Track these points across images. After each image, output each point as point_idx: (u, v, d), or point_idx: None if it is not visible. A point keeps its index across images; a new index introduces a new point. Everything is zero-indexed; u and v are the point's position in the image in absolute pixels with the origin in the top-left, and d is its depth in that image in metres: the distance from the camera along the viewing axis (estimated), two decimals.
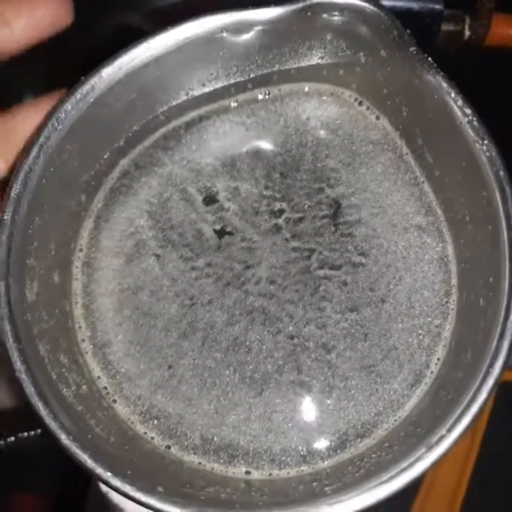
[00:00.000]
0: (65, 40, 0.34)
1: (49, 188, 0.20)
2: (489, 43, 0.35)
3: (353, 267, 0.22)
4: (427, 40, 0.34)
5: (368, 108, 0.23)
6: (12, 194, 0.18)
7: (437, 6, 0.32)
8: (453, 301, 0.21)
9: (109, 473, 0.16)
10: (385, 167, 0.23)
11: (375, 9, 0.20)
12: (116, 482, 0.16)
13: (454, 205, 0.21)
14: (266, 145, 0.24)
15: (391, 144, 0.23)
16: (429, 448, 0.16)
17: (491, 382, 0.16)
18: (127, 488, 0.16)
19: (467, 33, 0.35)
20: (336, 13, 0.20)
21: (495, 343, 0.17)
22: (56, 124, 0.20)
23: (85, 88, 0.20)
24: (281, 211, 0.23)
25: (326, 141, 0.23)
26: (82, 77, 0.20)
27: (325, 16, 0.20)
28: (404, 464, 0.16)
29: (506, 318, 0.16)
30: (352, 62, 0.22)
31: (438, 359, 0.21)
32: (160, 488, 0.16)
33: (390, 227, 0.22)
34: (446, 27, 0.35)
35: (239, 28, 0.21)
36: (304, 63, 0.23)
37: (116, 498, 0.17)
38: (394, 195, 0.23)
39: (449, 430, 0.16)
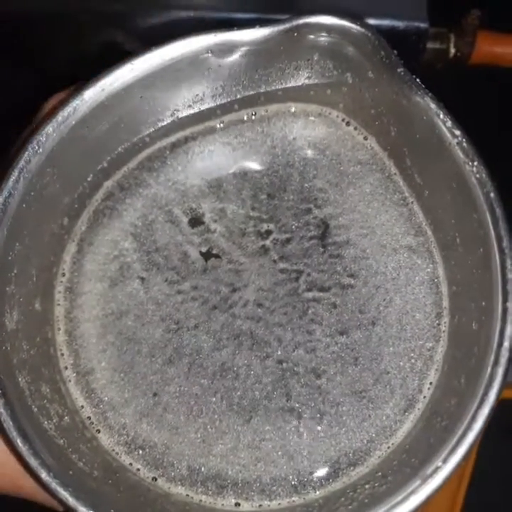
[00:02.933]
0: (51, 55, 0.34)
1: (30, 212, 0.19)
2: (475, 61, 0.35)
3: (342, 289, 0.22)
4: (413, 58, 0.34)
5: (355, 128, 0.23)
6: None
7: (422, 25, 0.32)
8: (445, 323, 0.21)
9: None
10: (374, 187, 0.23)
11: (362, 30, 0.19)
12: None
13: (444, 226, 0.21)
14: (253, 166, 0.23)
15: (379, 164, 0.23)
16: (424, 480, 0.15)
17: (486, 410, 0.16)
18: None
19: (452, 50, 0.35)
20: (323, 33, 0.20)
21: (489, 369, 0.16)
22: (36, 148, 0.19)
23: (67, 110, 0.20)
24: (269, 232, 0.22)
25: (313, 161, 0.23)
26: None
27: (312, 36, 0.20)
28: (399, 498, 0.15)
29: (500, 344, 0.16)
30: (339, 82, 0.22)
31: (430, 383, 0.20)
32: None
33: (379, 247, 0.22)
34: (431, 45, 0.35)
35: (224, 49, 0.20)
36: (291, 83, 0.23)
37: None
38: (383, 216, 0.22)
39: (445, 461, 0.16)
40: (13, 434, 0.16)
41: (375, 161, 0.23)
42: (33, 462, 0.16)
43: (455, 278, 0.20)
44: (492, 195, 0.17)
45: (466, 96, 0.40)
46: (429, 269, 0.21)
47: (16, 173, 0.19)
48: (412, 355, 0.21)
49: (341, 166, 0.23)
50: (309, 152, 0.23)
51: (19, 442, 0.16)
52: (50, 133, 0.19)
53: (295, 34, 0.20)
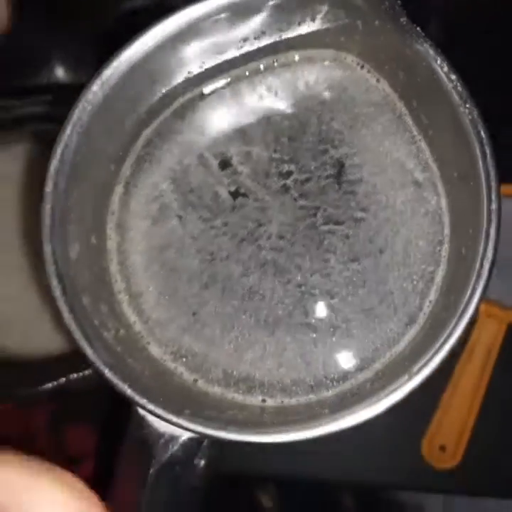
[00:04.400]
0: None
1: (83, 161, 0.23)
2: None
3: (355, 222, 0.24)
4: None
5: (368, 71, 0.25)
6: (51, 169, 0.21)
7: None
8: (445, 249, 0.23)
9: (145, 400, 0.19)
10: (385, 127, 0.25)
11: None
12: (150, 406, 0.19)
13: (447, 162, 0.23)
14: (275, 111, 0.26)
15: (391, 105, 0.25)
16: (410, 376, 0.19)
17: (464, 320, 0.19)
18: (160, 411, 0.19)
19: None
20: None
21: (470, 288, 0.19)
22: (86, 105, 0.22)
23: (109, 70, 0.22)
24: (290, 173, 0.25)
25: (330, 104, 0.25)
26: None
27: None
28: (389, 390, 0.19)
29: (481, 265, 0.19)
30: (351, 29, 0.24)
31: (430, 301, 0.23)
32: (187, 411, 0.20)
33: (389, 183, 0.24)
34: None
35: (244, 7, 0.22)
36: (307, 31, 0.24)
37: (151, 419, 0.20)
38: (393, 154, 0.24)
39: (428, 361, 0.19)
40: (82, 341, 0.20)
41: (387, 102, 0.25)
42: (98, 362, 0.20)
43: (454, 209, 0.23)
44: (482, 133, 0.19)
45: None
46: (433, 202, 0.24)
47: (69, 127, 0.22)
48: (415, 277, 0.23)
49: (356, 107, 0.25)
50: (327, 95, 0.25)
51: (87, 347, 0.20)
52: (96, 91, 0.22)
53: None
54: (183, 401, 0.21)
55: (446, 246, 0.23)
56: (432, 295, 0.23)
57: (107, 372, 0.20)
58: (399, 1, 0.21)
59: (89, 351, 0.20)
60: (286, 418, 0.21)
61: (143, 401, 0.19)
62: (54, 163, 0.21)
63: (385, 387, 0.19)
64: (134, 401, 0.20)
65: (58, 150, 0.21)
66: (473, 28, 0.39)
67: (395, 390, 0.19)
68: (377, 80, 0.25)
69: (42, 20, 0.38)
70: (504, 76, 0.40)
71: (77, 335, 0.20)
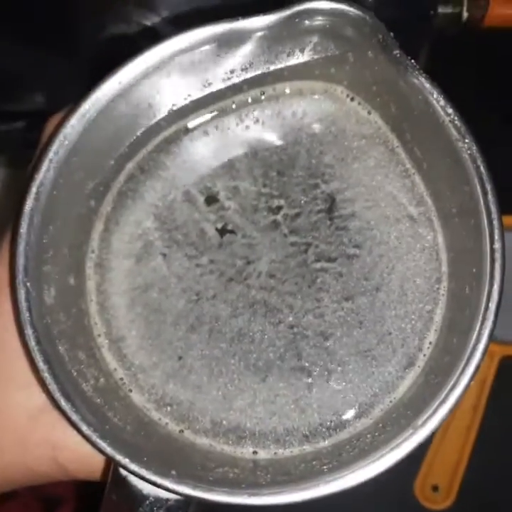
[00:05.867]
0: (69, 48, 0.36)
1: (60, 198, 0.21)
2: (488, 24, 0.35)
3: (348, 259, 0.23)
4: (424, 25, 0.34)
5: (359, 103, 0.24)
6: (26, 208, 0.20)
7: None
8: (444, 287, 0.22)
9: (127, 459, 0.18)
10: (378, 160, 0.24)
11: (359, 13, 0.20)
12: (133, 466, 0.18)
13: (443, 197, 0.22)
14: (263, 144, 0.25)
15: (382, 137, 0.24)
16: (415, 429, 0.17)
17: (472, 367, 0.18)
18: (144, 472, 0.18)
19: (465, 14, 0.35)
20: (323, 16, 0.21)
21: (477, 330, 0.18)
22: (63, 139, 0.21)
23: (88, 103, 0.21)
24: (279, 208, 0.24)
25: (320, 137, 0.24)
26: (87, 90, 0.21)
27: (313, 19, 0.21)
28: (393, 445, 0.17)
29: (486, 307, 0.18)
30: (341, 60, 0.23)
31: (430, 343, 0.22)
32: (173, 472, 0.18)
33: (382, 218, 0.23)
34: (443, 10, 0.35)
35: (231, 38, 0.22)
36: (296, 63, 0.24)
37: (133, 480, 0.18)
38: (386, 188, 0.24)
39: (434, 412, 0.17)
40: (57, 394, 0.18)
41: (379, 134, 0.24)
42: (75, 418, 0.18)
43: (453, 245, 0.22)
44: (482, 169, 0.18)
45: (481, 58, 0.41)
46: (429, 237, 0.23)
47: (46, 163, 0.21)
48: (413, 317, 0.22)
49: (346, 141, 0.24)
50: (316, 129, 0.25)
51: (63, 401, 0.18)
52: (75, 125, 0.21)
53: (296, 19, 0.21)
54: (169, 457, 0.20)
55: (444, 284, 0.22)
56: (432, 336, 0.22)
57: (86, 430, 0.18)
58: (392, 33, 0.20)
59: (66, 406, 0.18)
60: (279, 475, 0.19)
61: (125, 461, 0.18)
62: (29, 202, 0.20)
63: (387, 442, 0.18)
64: (115, 460, 0.18)
65: (33, 188, 0.20)
66: (459, 59, 0.39)
67: (399, 445, 0.17)
68: (369, 112, 0.24)
69: (20, 43, 0.37)
70: (491, 108, 0.40)
71: (53, 387, 0.18)
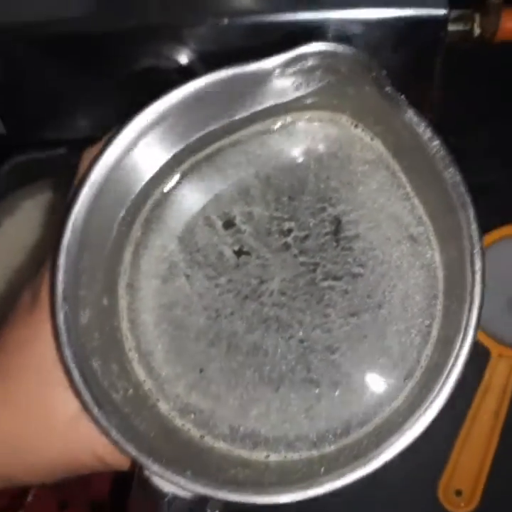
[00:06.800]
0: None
1: (94, 228, 0.24)
2: (500, 38, 0.36)
3: (353, 278, 0.25)
4: (435, 44, 0.35)
5: (362, 130, 0.26)
6: (63, 241, 0.23)
7: (441, 12, 0.33)
8: (440, 303, 0.24)
9: (149, 461, 0.20)
10: (380, 184, 0.26)
11: (352, 53, 0.22)
12: (154, 467, 0.20)
13: (437, 219, 0.23)
14: (275, 171, 0.27)
15: (385, 162, 0.26)
16: (401, 434, 0.19)
17: (451, 381, 0.19)
18: (163, 472, 0.20)
19: (477, 30, 0.36)
20: (322, 57, 0.23)
21: (457, 346, 0.19)
22: (95, 178, 0.24)
23: (115, 144, 0.24)
24: (290, 230, 0.26)
25: (327, 163, 0.26)
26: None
27: (312, 60, 0.23)
28: (379, 450, 0.19)
29: (466, 330, 0.19)
30: (343, 93, 0.25)
31: (427, 355, 0.23)
32: (189, 472, 0.20)
33: (384, 239, 0.25)
34: (455, 27, 0.36)
35: (240, 81, 0.24)
36: (303, 96, 0.26)
37: (155, 479, 0.21)
38: (388, 209, 0.25)
39: (416, 421, 0.19)
40: (91, 404, 0.21)
41: (381, 159, 0.26)
42: (105, 424, 0.21)
43: (447, 264, 0.23)
44: (464, 197, 0.20)
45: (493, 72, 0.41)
46: (428, 255, 0.24)
47: (80, 198, 0.23)
48: (412, 331, 0.24)
49: (351, 165, 0.26)
50: (323, 155, 0.27)
51: (95, 410, 0.21)
52: (104, 165, 0.24)
53: (298, 61, 0.23)
54: (187, 460, 0.22)
55: (440, 300, 0.24)
56: (429, 349, 0.23)
57: (115, 434, 0.21)
58: (384, 71, 0.22)
59: (97, 414, 0.21)
60: (286, 476, 0.22)
61: (147, 462, 0.20)
62: (65, 236, 0.22)
63: (377, 447, 0.19)
64: (139, 462, 0.21)
65: (69, 222, 0.23)
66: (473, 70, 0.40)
67: (386, 449, 0.19)
68: (371, 139, 0.26)
69: (60, 76, 0.40)
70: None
71: (87, 398, 0.21)
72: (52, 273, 0.22)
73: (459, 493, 0.40)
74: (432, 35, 0.34)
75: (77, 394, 0.21)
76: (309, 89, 0.25)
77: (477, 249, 0.19)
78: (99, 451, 0.23)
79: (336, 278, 0.25)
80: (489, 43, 0.36)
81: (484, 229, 0.43)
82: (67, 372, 0.21)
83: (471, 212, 0.20)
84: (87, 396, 0.21)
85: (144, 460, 0.20)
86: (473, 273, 0.19)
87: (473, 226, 0.19)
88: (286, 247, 0.26)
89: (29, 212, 0.42)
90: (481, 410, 0.40)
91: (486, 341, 0.41)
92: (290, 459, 0.23)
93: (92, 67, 0.38)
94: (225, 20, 0.31)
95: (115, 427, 0.21)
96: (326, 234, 0.26)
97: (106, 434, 0.21)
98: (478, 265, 0.19)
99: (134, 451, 0.21)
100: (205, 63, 0.35)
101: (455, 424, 0.41)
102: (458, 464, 0.40)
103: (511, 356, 0.40)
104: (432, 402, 0.19)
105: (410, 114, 0.21)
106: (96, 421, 0.21)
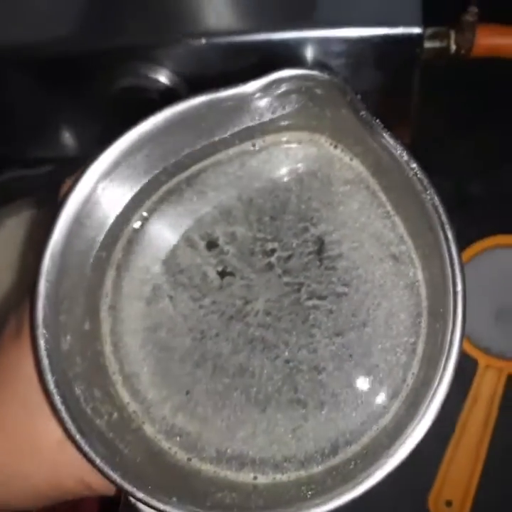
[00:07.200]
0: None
1: (72, 255, 0.24)
2: (476, 54, 0.37)
3: (337, 297, 0.25)
4: (411, 61, 0.36)
5: (342, 150, 0.26)
6: (42, 267, 0.22)
7: (416, 30, 0.34)
8: (424, 320, 0.24)
9: (134, 489, 0.20)
10: (361, 203, 0.26)
11: (326, 77, 0.22)
12: (139, 495, 0.20)
13: (419, 236, 0.24)
14: (256, 192, 0.27)
15: (365, 182, 0.26)
16: (388, 456, 0.19)
17: (438, 402, 0.19)
18: (148, 499, 0.20)
19: (453, 47, 0.37)
20: (299, 81, 0.23)
21: (442, 365, 0.20)
22: (72, 207, 0.23)
23: (94, 166, 0.24)
24: (273, 250, 0.26)
25: (307, 183, 0.27)
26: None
27: (288, 84, 0.23)
28: (367, 473, 0.19)
29: (450, 347, 0.19)
30: (321, 115, 0.25)
31: (413, 373, 0.24)
32: (174, 498, 0.20)
33: (367, 258, 0.25)
34: (431, 44, 0.36)
35: (218, 105, 0.24)
36: (280, 117, 0.26)
37: (141, 506, 0.21)
38: (370, 229, 0.26)
39: (403, 442, 0.19)
40: (74, 431, 0.21)
41: (361, 179, 0.26)
42: (88, 451, 0.21)
43: (430, 282, 0.23)
44: (443, 219, 0.20)
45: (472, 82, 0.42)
46: (411, 274, 0.25)
47: (58, 226, 0.23)
48: (398, 350, 0.24)
49: (332, 186, 0.26)
50: (304, 175, 0.27)
51: (79, 438, 0.21)
52: (82, 188, 0.24)
53: (274, 85, 0.23)
54: (173, 484, 0.22)
55: (425, 317, 0.24)
56: (415, 367, 0.23)
57: (99, 462, 0.20)
58: (359, 95, 0.22)
59: (81, 442, 0.21)
60: (273, 500, 0.21)
61: (132, 490, 0.20)
62: (44, 263, 0.22)
63: (364, 470, 0.19)
64: (124, 489, 0.20)
65: (48, 250, 0.23)
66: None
67: (372, 473, 0.19)
68: (351, 159, 0.26)
69: (39, 96, 0.40)
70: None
71: (70, 425, 0.21)
72: (32, 300, 0.22)
73: (449, 503, 0.40)
74: (409, 52, 0.35)
75: (60, 421, 0.21)
76: (285, 111, 0.26)
77: (458, 272, 0.19)
78: (86, 477, 0.23)
79: (320, 297, 0.25)
80: (465, 59, 0.37)
81: (466, 240, 0.44)
82: (49, 399, 0.21)
83: (450, 234, 0.20)
84: (69, 423, 0.21)
85: (129, 488, 0.20)
86: (454, 294, 0.20)
87: (453, 248, 0.20)
88: (270, 267, 0.26)
89: (13, 230, 0.42)
90: (470, 421, 0.40)
91: (473, 352, 0.41)
92: (278, 480, 0.23)
93: (71, 87, 0.38)
94: (203, 41, 0.32)
95: (99, 454, 0.21)
96: (310, 253, 0.26)
97: (90, 461, 0.20)
98: (459, 287, 0.19)
99: (118, 479, 0.20)
100: (187, 82, 0.36)
101: (444, 434, 0.41)
102: (448, 475, 0.40)
103: (499, 367, 0.41)
104: (418, 423, 0.19)
105: (386, 138, 0.21)
106: (79, 448, 0.21)
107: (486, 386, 0.40)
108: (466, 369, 0.41)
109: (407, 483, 0.40)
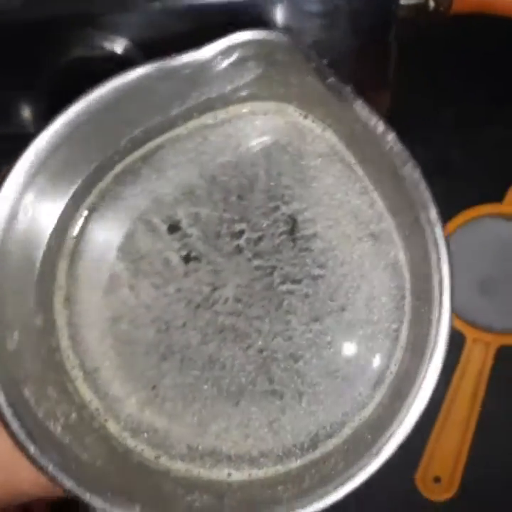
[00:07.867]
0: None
1: (14, 247, 0.21)
2: (455, 12, 0.34)
3: (313, 280, 0.23)
4: (386, 19, 0.33)
5: (313, 121, 0.24)
6: None
7: None
8: (407, 303, 0.22)
9: (92, 498, 0.18)
10: (336, 178, 0.24)
11: (286, 40, 0.20)
12: (98, 504, 0.18)
13: (399, 214, 0.22)
14: (220, 169, 0.25)
15: (339, 155, 0.24)
16: (370, 458, 0.18)
17: (428, 391, 0.18)
18: (107, 507, 0.18)
19: (432, 4, 0.34)
20: (259, 46, 0.21)
21: (429, 352, 0.18)
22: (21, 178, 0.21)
23: (39, 145, 0.21)
24: (242, 232, 0.24)
25: (276, 158, 0.24)
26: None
27: (243, 50, 0.21)
28: (349, 474, 0.18)
29: (436, 333, 0.18)
30: (287, 83, 0.23)
31: (397, 360, 0.22)
32: (137, 507, 0.19)
33: (344, 238, 0.23)
34: (407, 1, 0.34)
35: (175, 72, 0.21)
36: (243, 86, 0.23)
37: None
38: (346, 206, 0.23)
39: (387, 441, 0.18)
40: (22, 437, 0.19)
41: (335, 151, 0.24)
42: (41, 459, 0.19)
43: (412, 262, 0.22)
44: (425, 195, 0.18)
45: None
46: (391, 254, 0.23)
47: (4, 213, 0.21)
48: (380, 336, 0.22)
49: (303, 160, 0.24)
50: (272, 149, 0.24)
51: (28, 444, 0.19)
52: (33, 161, 0.21)
53: (229, 51, 0.21)
54: (138, 487, 0.20)
55: (408, 300, 0.22)
56: (398, 353, 0.22)
57: (52, 469, 0.19)
58: (325, 60, 0.20)
59: (31, 449, 0.19)
60: (245, 502, 0.20)
61: (88, 498, 0.18)
62: None
63: (345, 470, 0.18)
64: (80, 498, 0.19)
65: None
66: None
67: (354, 475, 0.18)
68: (323, 130, 0.24)
69: None
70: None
71: (17, 431, 0.19)
72: None
73: (437, 479, 0.39)
74: (384, 8, 0.32)
75: (5, 426, 0.19)
76: (245, 80, 0.23)
77: (443, 253, 0.17)
78: (41, 479, 0.22)
79: (294, 281, 0.23)
80: (445, 17, 0.35)
81: (449, 211, 0.42)
82: None
83: (433, 213, 0.18)
84: (15, 427, 0.19)
85: (85, 497, 0.18)
86: (440, 279, 0.18)
87: (437, 228, 0.18)
88: (239, 250, 0.24)
89: None
90: (458, 396, 0.39)
91: (460, 326, 0.40)
92: (254, 476, 0.22)
93: (19, 58, 0.35)
94: (157, 5, 0.29)
95: (52, 461, 0.19)
96: (281, 234, 0.24)
97: (40, 469, 0.19)
98: (445, 270, 0.18)
99: (73, 487, 0.18)
100: (143, 51, 0.33)
101: (432, 410, 0.40)
102: (435, 451, 0.39)
103: (486, 340, 0.39)
104: (403, 419, 0.18)
105: (359, 107, 0.19)
106: (27, 455, 0.19)
107: (474, 360, 0.39)
108: (453, 344, 0.39)
109: (394, 459, 0.39)
